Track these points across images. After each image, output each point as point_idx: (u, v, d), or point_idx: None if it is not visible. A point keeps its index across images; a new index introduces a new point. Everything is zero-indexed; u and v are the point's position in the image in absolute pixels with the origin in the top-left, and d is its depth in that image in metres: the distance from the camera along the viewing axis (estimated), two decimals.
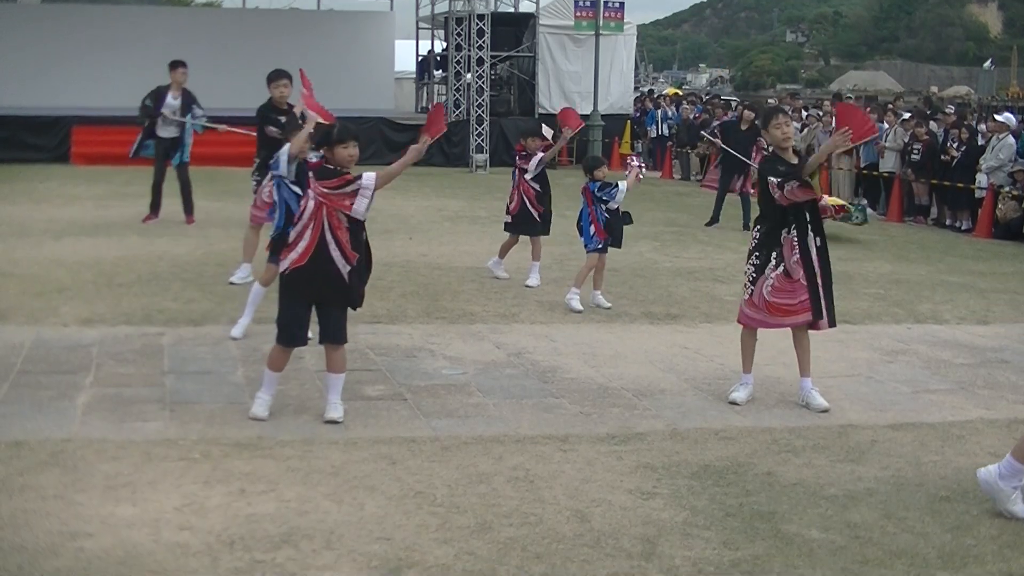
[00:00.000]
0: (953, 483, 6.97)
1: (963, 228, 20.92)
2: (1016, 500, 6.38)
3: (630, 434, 7.74)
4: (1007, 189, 19.77)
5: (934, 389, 9.35)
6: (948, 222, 21.49)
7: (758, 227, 8.56)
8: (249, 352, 9.54)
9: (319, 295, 7.65)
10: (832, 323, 8.59)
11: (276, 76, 12.10)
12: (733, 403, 8.53)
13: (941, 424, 8.29)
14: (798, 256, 8.34)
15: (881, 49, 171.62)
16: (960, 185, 20.79)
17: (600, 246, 11.80)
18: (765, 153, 8.51)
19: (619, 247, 12.07)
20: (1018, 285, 14.69)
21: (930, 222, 21.94)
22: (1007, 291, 14.14)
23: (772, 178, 8.26)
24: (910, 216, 22.20)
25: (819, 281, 8.41)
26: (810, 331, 8.55)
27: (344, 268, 7.56)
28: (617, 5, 30.72)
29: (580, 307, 11.67)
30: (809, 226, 8.39)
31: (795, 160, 8.44)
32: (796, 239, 8.34)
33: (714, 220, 19.57)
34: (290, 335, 7.73)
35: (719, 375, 9.43)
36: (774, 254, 8.37)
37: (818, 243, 8.42)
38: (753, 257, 8.50)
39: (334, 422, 7.65)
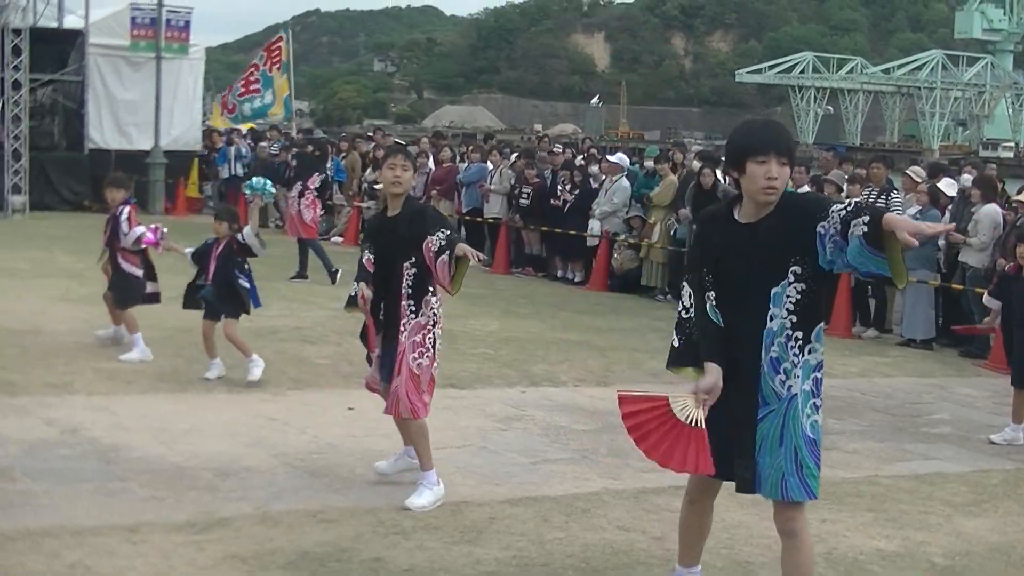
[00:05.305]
0: (581, 561, 7.21)
1: (576, 280, 21.67)
2: None
3: (212, 520, 7.62)
4: (623, 237, 20.61)
5: (554, 459, 9.64)
6: (560, 273, 22.21)
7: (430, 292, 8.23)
8: None
9: None
10: None
11: None
12: None
13: (564, 497, 8.55)
14: None
15: (480, 82, 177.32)
16: (572, 232, 21.52)
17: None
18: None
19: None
20: (637, 342, 15.38)
21: (540, 274, 22.60)
22: (626, 348, 14.78)
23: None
24: (518, 267, 22.80)
25: None
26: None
27: None
28: (182, 24, 30.48)
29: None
30: None
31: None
32: None
33: (301, 274, 19.62)
34: None
35: (312, 449, 9.44)
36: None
37: None
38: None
39: None
